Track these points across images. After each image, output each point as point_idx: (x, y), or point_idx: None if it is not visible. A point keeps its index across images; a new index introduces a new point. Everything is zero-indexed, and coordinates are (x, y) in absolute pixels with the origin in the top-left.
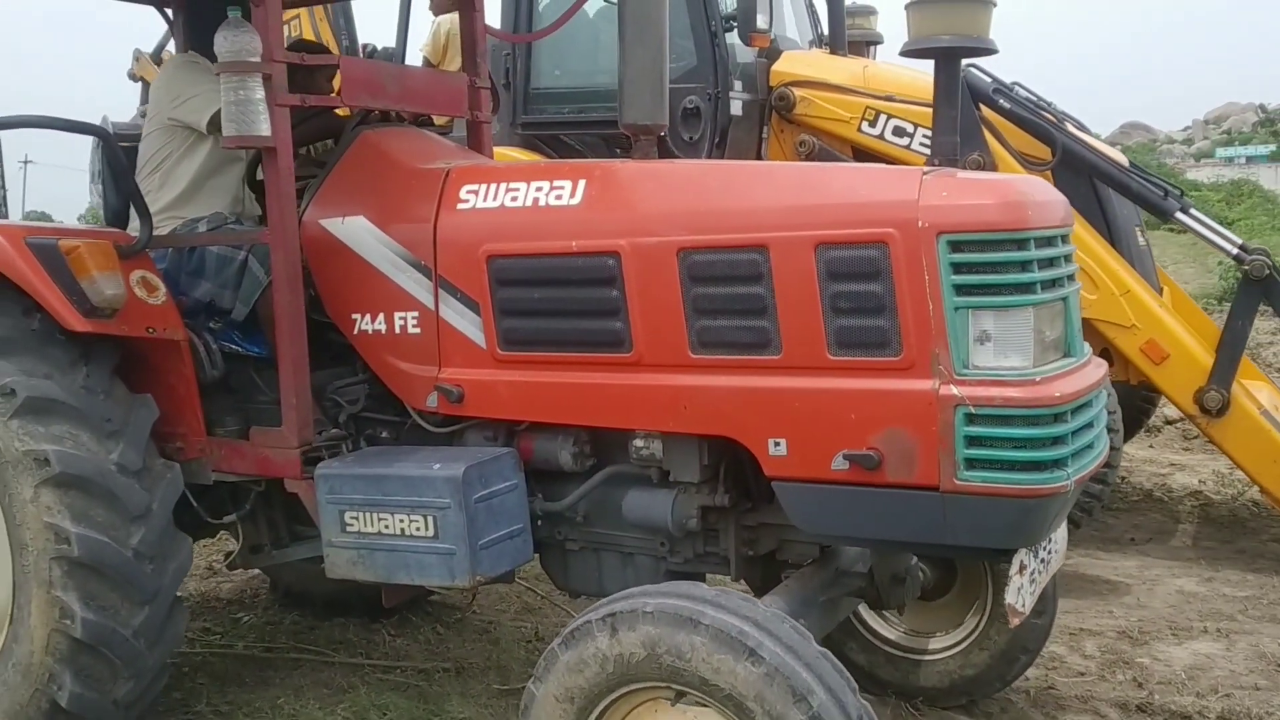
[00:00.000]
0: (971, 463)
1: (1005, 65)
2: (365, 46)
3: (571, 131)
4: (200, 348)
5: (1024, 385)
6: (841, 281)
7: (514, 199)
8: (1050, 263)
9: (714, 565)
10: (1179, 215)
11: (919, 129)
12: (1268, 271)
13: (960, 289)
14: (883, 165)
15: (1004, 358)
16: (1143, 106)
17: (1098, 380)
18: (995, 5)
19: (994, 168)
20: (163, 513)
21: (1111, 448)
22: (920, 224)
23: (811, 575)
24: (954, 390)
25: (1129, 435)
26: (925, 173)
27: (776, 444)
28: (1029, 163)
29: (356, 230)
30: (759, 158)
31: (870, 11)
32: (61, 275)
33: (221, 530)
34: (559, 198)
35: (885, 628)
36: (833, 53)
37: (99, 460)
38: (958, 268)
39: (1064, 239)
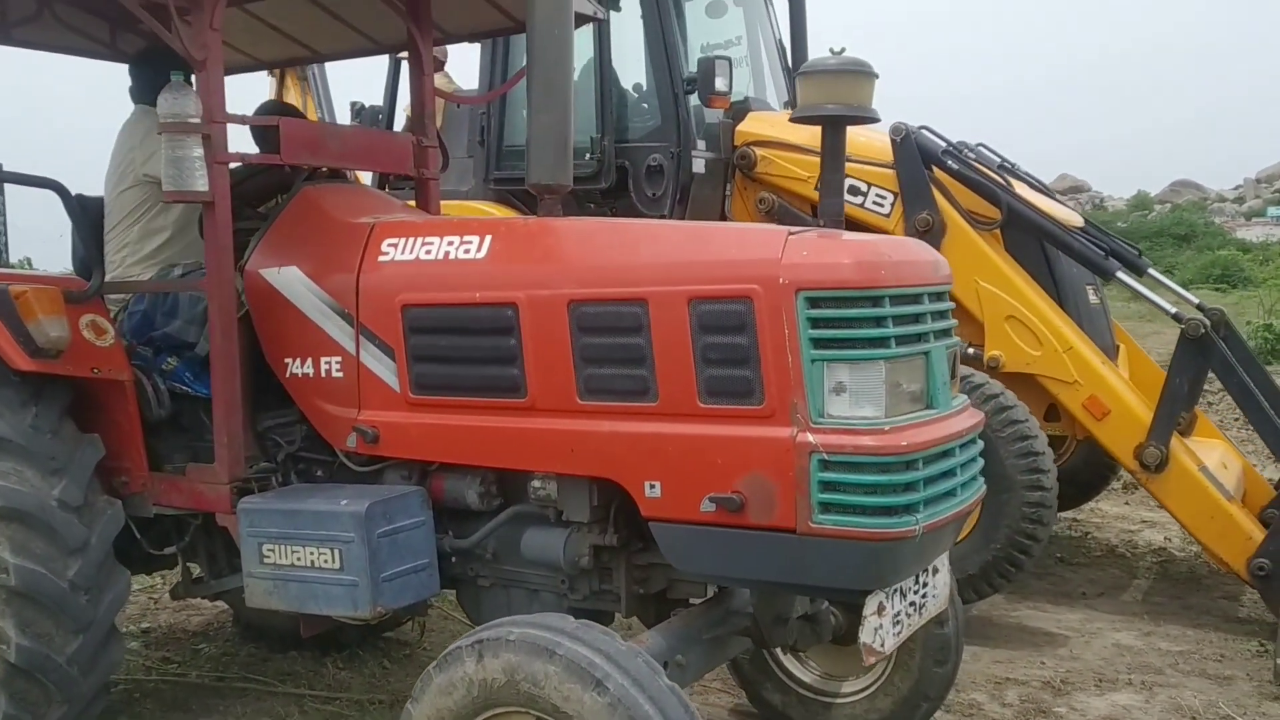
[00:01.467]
0: (826, 506)
1: (1069, 121)
2: (354, 104)
3: None
4: (149, 388)
5: (875, 434)
6: (711, 334)
7: (428, 252)
8: (914, 319)
9: (609, 603)
10: (1119, 275)
11: (872, 188)
12: (1203, 331)
13: (817, 342)
14: (756, 225)
15: (858, 408)
16: (1195, 165)
17: (960, 430)
18: (877, 77)
19: (943, 227)
20: (101, 546)
21: (1043, 506)
22: (781, 281)
23: (698, 614)
24: (810, 438)
25: (1095, 492)
26: (791, 233)
27: (652, 486)
28: (978, 222)
29: (290, 280)
30: (723, 214)
31: None
32: (9, 318)
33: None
34: (467, 251)
35: (801, 670)
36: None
37: (41, 496)
38: (815, 323)
39: (932, 298)
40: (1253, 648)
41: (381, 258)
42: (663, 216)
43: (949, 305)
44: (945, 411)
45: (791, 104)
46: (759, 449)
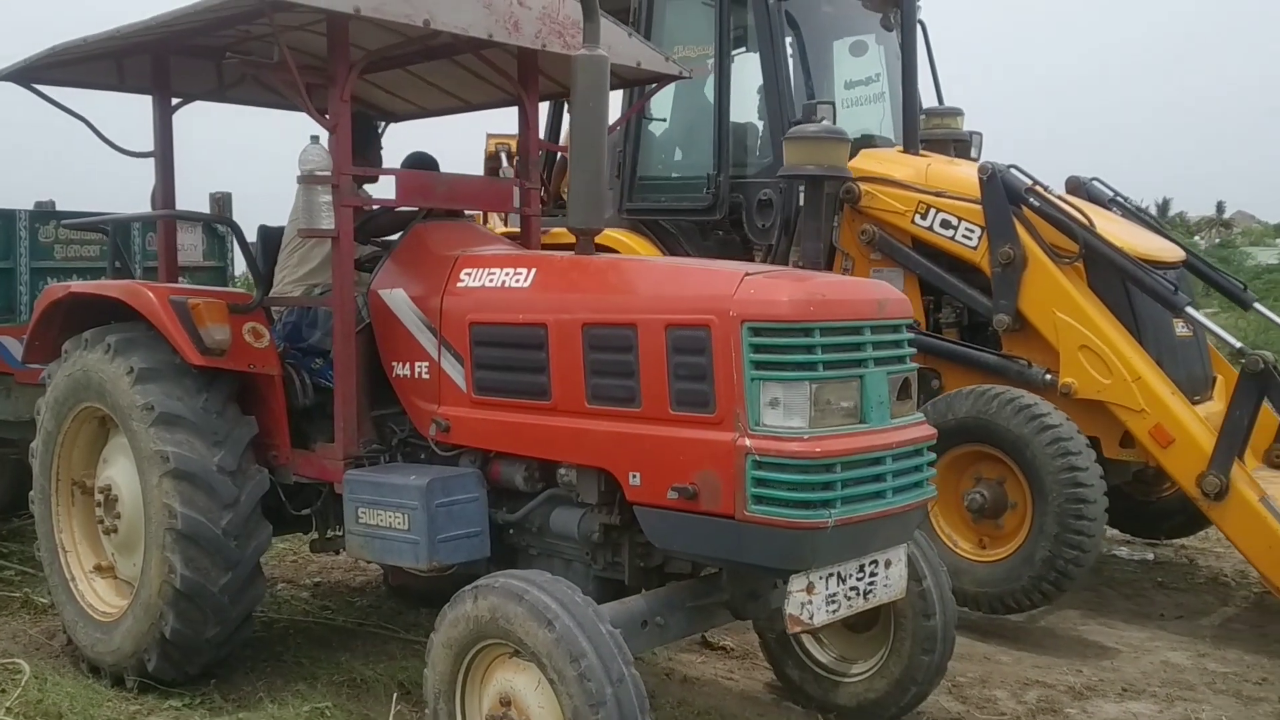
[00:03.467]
0: (758, 499)
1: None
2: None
3: (668, 217)
4: (297, 382)
5: (799, 441)
6: (680, 354)
7: (492, 280)
8: (850, 348)
9: (621, 574)
10: (1188, 310)
11: (963, 222)
12: (1262, 367)
13: (756, 364)
14: (723, 265)
15: (787, 419)
16: None
17: (892, 442)
18: (850, 142)
19: (1024, 260)
20: (249, 503)
21: (1086, 520)
22: (731, 313)
23: (685, 586)
24: (747, 442)
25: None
26: (747, 273)
27: (634, 476)
28: (1059, 256)
29: (398, 299)
30: (830, 244)
31: (957, 113)
32: (186, 323)
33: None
34: (518, 281)
35: (819, 651)
36: (905, 151)
37: (205, 461)
38: (756, 348)
39: (875, 330)
40: None
41: (459, 284)
42: (770, 246)
43: (897, 337)
44: (878, 426)
45: (907, 141)
46: (710, 449)
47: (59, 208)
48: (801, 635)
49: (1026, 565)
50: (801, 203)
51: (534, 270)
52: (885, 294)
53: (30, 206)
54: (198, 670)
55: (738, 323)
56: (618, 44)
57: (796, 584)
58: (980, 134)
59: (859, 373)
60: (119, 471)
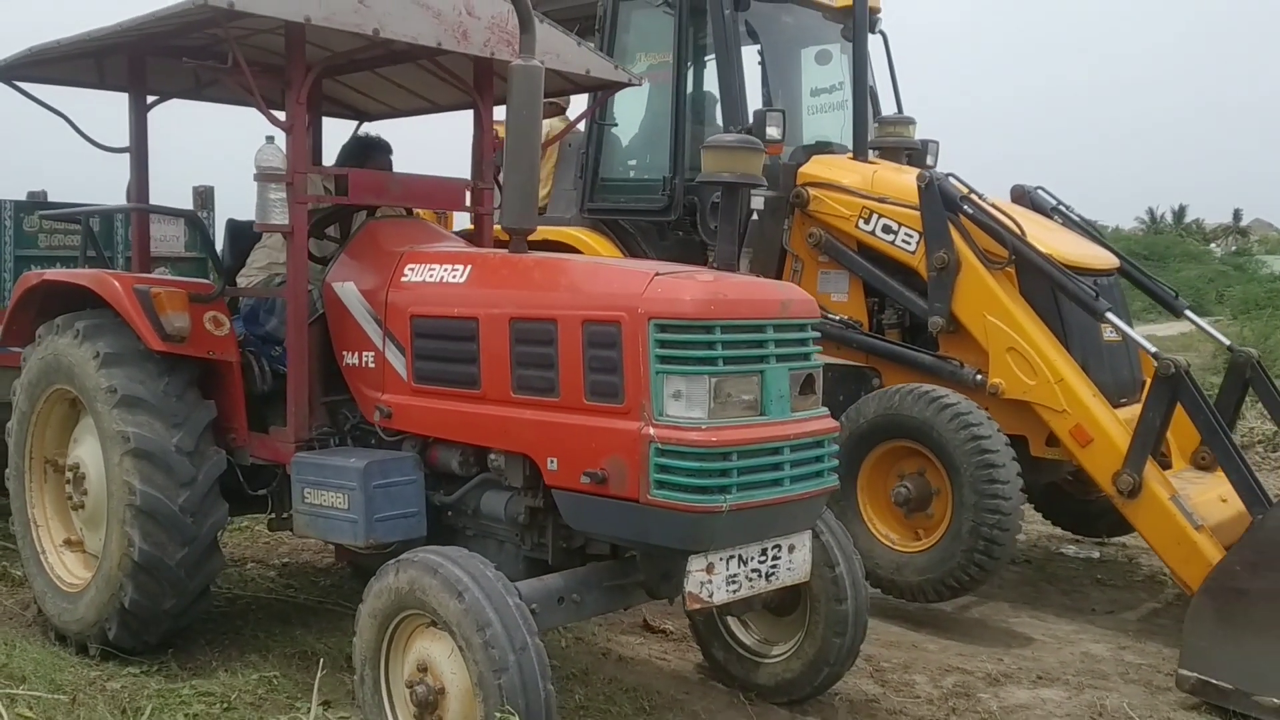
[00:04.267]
0: (659, 484)
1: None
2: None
3: (627, 218)
4: (256, 368)
5: (697, 430)
6: (594, 348)
7: (432, 275)
8: (752, 344)
9: (545, 554)
10: (1108, 315)
11: (902, 227)
12: (1173, 371)
13: (661, 358)
14: (635, 265)
15: (688, 410)
16: None
17: (791, 434)
18: (764, 151)
19: (958, 265)
20: (206, 482)
21: (1002, 514)
22: (639, 310)
23: (603, 566)
24: (651, 431)
25: None
26: (657, 273)
27: (552, 462)
28: (991, 261)
29: (349, 292)
30: (782, 246)
31: (909, 121)
32: (149, 311)
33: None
34: (454, 277)
35: (744, 634)
36: (854, 158)
37: (164, 442)
38: (661, 344)
39: (779, 329)
40: None
41: (403, 279)
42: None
43: (801, 335)
44: (777, 418)
45: (857, 148)
46: (618, 437)
47: (51, 197)
48: (728, 619)
49: (947, 557)
50: (720, 208)
51: (469, 267)
52: (790, 295)
53: (23, 196)
54: (156, 640)
55: (645, 319)
56: (567, 52)
57: (696, 564)
58: (937, 142)
59: (760, 368)
60: (87, 451)
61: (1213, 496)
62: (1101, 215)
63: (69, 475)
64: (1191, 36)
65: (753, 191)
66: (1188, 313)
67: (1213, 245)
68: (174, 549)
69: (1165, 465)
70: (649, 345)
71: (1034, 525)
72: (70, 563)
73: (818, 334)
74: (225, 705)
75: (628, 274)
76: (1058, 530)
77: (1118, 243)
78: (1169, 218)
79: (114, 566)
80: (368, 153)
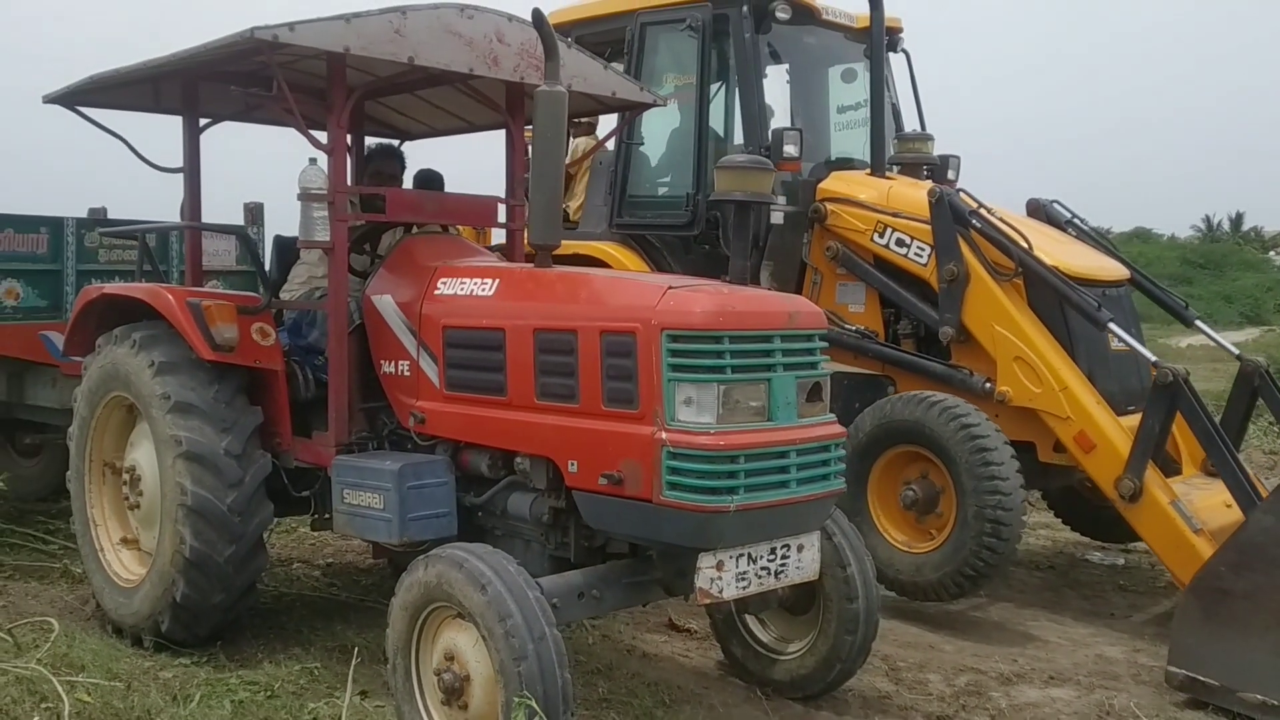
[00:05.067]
0: (671, 485)
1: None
2: None
3: (653, 233)
4: (299, 376)
5: (706, 435)
6: (612, 357)
7: (463, 289)
8: (760, 354)
9: (569, 552)
10: (1110, 325)
11: (915, 240)
12: (1171, 379)
13: (673, 367)
14: (651, 279)
15: (698, 415)
16: None
17: (797, 439)
18: (774, 170)
19: (967, 277)
20: (252, 484)
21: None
22: (653, 322)
23: (622, 564)
24: (663, 435)
25: None
26: (670, 286)
27: (572, 465)
28: (999, 273)
29: (387, 305)
30: (801, 259)
31: (928, 138)
32: (200, 323)
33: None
34: (483, 290)
35: (761, 631)
36: (872, 174)
37: (213, 445)
38: (673, 353)
39: (786, 339)
40: None
41: (436, 292)
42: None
43: (808, 345)
44: (785, 424)
45: (875, 164)
46: (633, 441)
47: (112, 214)
48: (747, 617)
49: (951, 559)
50: (733, 225)
51: (498, 281)
52: (797, 307)
53: (85, 213)
54: (206, 632)
55: (658, 330)
56: (593, 75)
57: (706, 561)
58: (958, 157)
59: (767, 376)
60: (142, 454)
61: (1217, 502)
62: (1156, 223)
63: (126, 477)
64: (1235, 29)
65: (772, 207)
66: (1199, 323)
67: (1272, 253)
68: (222, 546)
69: (1175, 471)
70: (661, 354)
71: (1060, 533)
72: (126, 560)
73: (825, 344)
74: (269, 693)
75: (643, 287)
76: (1084, 538)
77: (1172, 252)
78: (1225, 225)
79: (167, 563)
80: (424, 182)
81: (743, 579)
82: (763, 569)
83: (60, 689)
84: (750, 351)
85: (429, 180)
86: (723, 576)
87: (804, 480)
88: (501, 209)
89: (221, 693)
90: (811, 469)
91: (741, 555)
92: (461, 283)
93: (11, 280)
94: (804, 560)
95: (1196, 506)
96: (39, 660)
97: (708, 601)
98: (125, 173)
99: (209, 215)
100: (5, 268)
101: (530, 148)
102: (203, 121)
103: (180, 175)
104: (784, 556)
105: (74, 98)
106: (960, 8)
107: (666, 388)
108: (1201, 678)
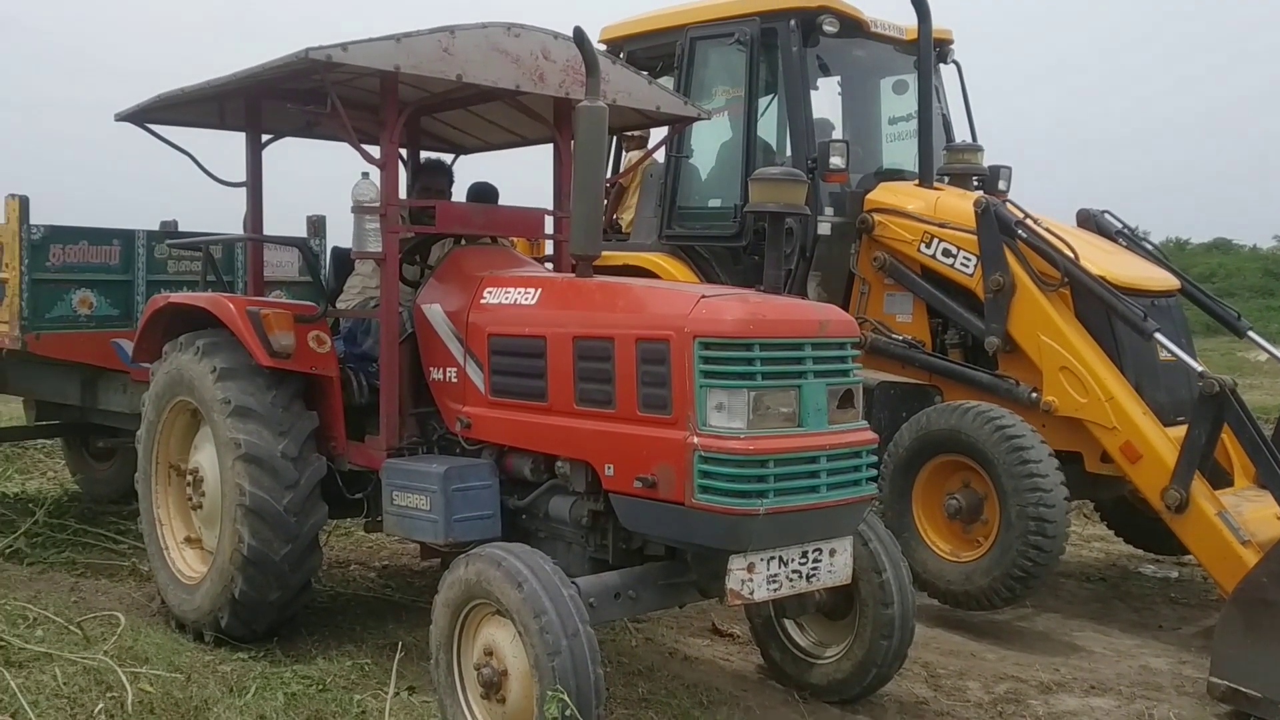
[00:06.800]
0: (702, 488)
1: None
2: None
3: (701, 244)
4: (354, 383)
5: (737, 440)
6: (647, 364)
7: (507, 298)
8: (790, 361)
9: (607, 554)
10: (1156, 335)
11: (961, 251)
12: (1217, 389)
13: (705, 373)
14: (684, 288)
15: (729, 421)
16: None
17: (827, 444)
18: (806, 183)
19: (1013, 287)
20: (308, 485)
21: (1045, 523)
22: (686, 330)
23: (659, 566)
24: (695, 439)
25: None
26: (703, 296)
27: (609, 468)
28: (1045, 283)
29: (436, 314)
30: (849, 269)
31: (977, 149)
32: (259, 331)
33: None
34: (526, 299)
35: (800, 636)
36: (920, 184)
37: (271, 448)
38: (705, 360)
39: (817, 346)
40: None
41: (482, 301)
42: (790, 272)
43: (839, 354)
44: (814, 430)
45: (923, 175)
46: (666, 446)
47: (181, 226)
48: (785, 622)
49: (995, 566)
50: (766, 236)
51: (540, 290)
52: (829, 316)
53: (156, 226)
54: (263, 628)
55: (691, 338)
56: (638, 90)
57: (737, 563)
58: (1009, 168)
59: (797, 383)
60: (205, 456)
61: (1268, 514)
62: (1237, 234)
63: (189, 478)
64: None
65: (819, 218)
66: (1251, 334)
67: None
68: (279, 545)
69: (1227, 483)
70: (694, 361)
71: (1115, 545)
72: (189, 558)
73: (858, 352)
74: (321, 687)
75: (677, 296)
76: (1138, 551)
77: (1254, 263)
78: None
79: (226, 561)
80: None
81: (774, 581)
82: (794, 572)
83: (124, 679)
84: (781, 359)
85: (483, 193)
86: (753, 578)
87: (834, 485)
88: (548, 221)
89: (276, 685)
90: (842, 474)
91: (773, 558)
92: (506, 292)
93: (86, 290)
94: (836, 564)
95: (1246, 518)
96: (105, 652)
97: (738, 603)
98: (195, 187)
99: (276, 228)
100: (80, 278)
101: (573, 162)
102: (265, 137)
103: (244, 189)
104: (815, 560)
105: (144, 115)
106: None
107: (698, 394)
108: (1244, 689)
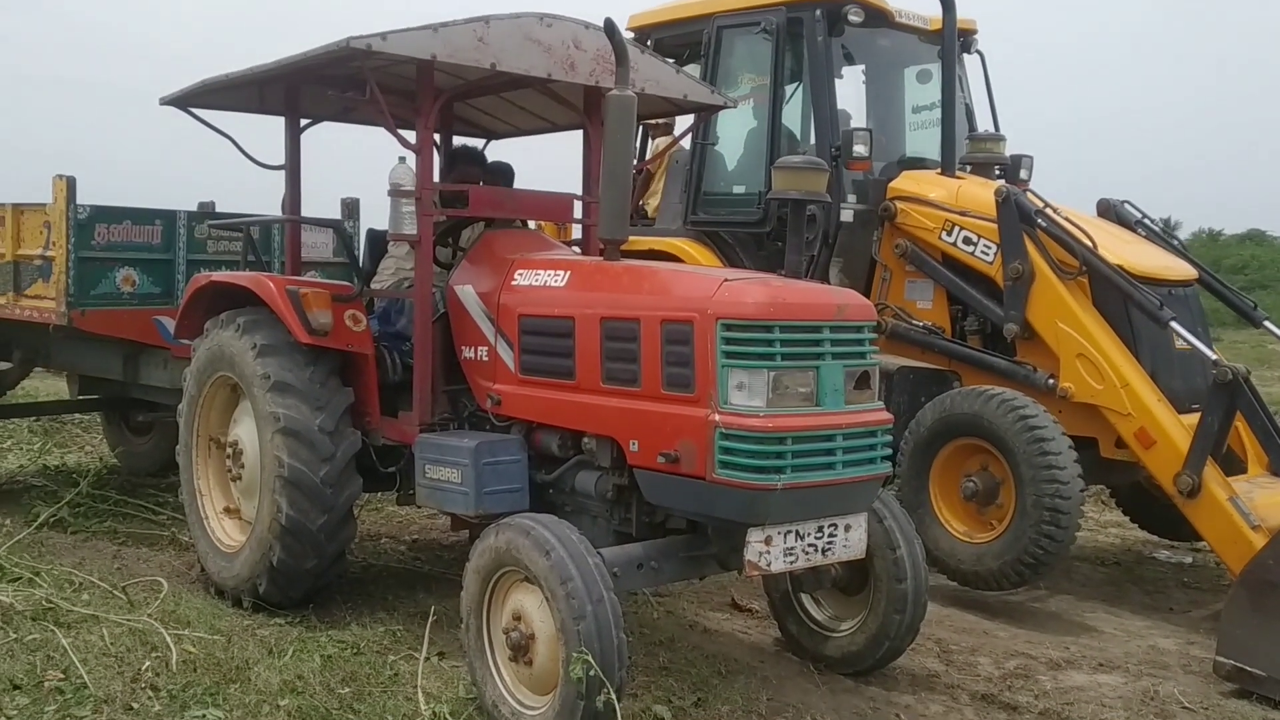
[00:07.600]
0: (723, 464)
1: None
2: None
3: (726, 229)
4: (388, 360)
5: (756, 418)
6: (671, 345)
7: (537, 280)
8: (808, 343)
9: (631, 527)
10: (1171, 324)
11: (981, 239)
12: (1230, 377)
13: (727, 354)
14: (707, 271)
15: (749, 400)
16: None
17: (843, 423)
18: (827, 171)
19: (1032, 275)
20: (343, 458)
21: (1060, 506)
22: (709, 312)
23: (680, 538)
24: (716, 417)
25: None
26: (726, 279)
27: (634, 444)
28: (1064, 271)
29: (468, 295)
30: (871, 256)
31: (1000, 138)
32: (298, 309)
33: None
34: (556, 281)
35: (816, 610)
36: (942, 173)
37: (308, 422)
38: (727, 340)
39: (835, 329)
40: None
41: (513, 282)
42: (813, 258)
43: (857, 336)
44: (831, 410)
45: (945, 164)
46: (689, 423)
47: (220, 207)
48: (802, 596)
49: (1010, 548)
50: (789, 222)
51: (569, 273)
52: (847, 300)
53: (195, 206)
54: (300, 595)
55: (713, 320)
56: (665, 79)
57: (755, 536)
58: (1031, 157)
59: (815, 364)
60: (245, 429)
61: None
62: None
63: (229, 451)
64: None
65: (842, 205)
66: (1267, 324)
67: None
68: (315, 515)
69: (1240, 469)
70: (716, 342)
71: (1130, 531)
72: (229, 527)
73: (875, 335)
74: (355, 650)
75: (701, 279)
76: (1153, 536)
77: None
78: None
79: (265, 530)
80: (494, 173)
81: (790, 554)
82: (810, 545)
83: (169, 639)
84: (800, 341)
85: (498, 171)
86: (770, 551)
87: (850, 463)
88: (577, 205)
89: (312, 648)
90: (858, 452)
91: (790, 531)
92: (536, 274)
93: (129, 268)
94: (851, 539)
95: (1257, 504)
96: (149, 615)
97: (756, 574)
98: (232, 169)
99: (311, 210)
100: (123, 257)
101: (602, 149)
102: (303, 122)
103: (282, 172)
104: (831, 535)
105: (187, 100)
106: None
107: (720, 373)
108: (1249, 668)
